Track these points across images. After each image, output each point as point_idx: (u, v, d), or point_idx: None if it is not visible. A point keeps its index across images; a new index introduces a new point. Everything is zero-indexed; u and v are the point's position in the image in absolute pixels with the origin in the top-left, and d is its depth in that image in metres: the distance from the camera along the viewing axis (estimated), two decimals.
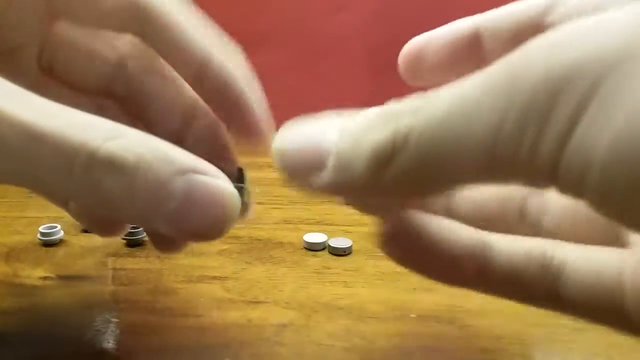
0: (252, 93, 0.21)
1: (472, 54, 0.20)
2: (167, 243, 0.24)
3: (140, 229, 0.33)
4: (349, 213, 0.39)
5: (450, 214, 0.19)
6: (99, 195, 0.14)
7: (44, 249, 0.32)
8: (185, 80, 0.22)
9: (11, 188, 0.44)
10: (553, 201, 0.18)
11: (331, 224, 0.37)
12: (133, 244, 0.33)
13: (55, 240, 0.33)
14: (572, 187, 0.10)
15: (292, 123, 0.15)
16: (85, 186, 0.14)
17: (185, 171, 0.14)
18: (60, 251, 0.32)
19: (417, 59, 0.20)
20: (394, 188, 0.13)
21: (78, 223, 0.34)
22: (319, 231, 0.34)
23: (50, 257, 0.31)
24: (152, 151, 0.14)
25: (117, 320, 0.25)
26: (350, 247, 0.32)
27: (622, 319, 0.15)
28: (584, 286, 0.16)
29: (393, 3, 0.66)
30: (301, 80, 0.69)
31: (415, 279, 0.28)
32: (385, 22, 0.66)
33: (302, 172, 0.14)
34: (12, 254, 0.31)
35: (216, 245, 0.33)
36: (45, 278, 0.29)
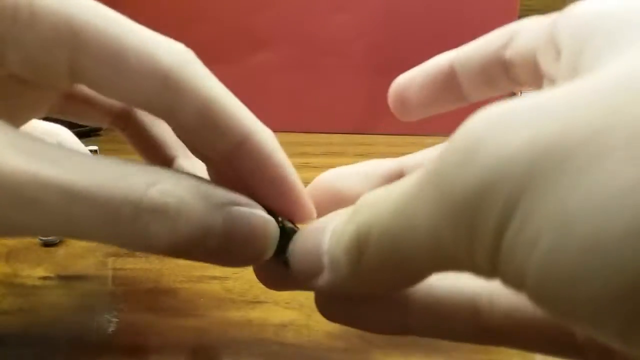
0: (292, 170, 0.19)
1: (451, 88, 0.21)
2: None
3: None
4: None
5: None
6: (145, 241, 0.15)
7: (44, 249, 0.32)
8: (212, 157, 0.18)
9: None
10: None
11: None
12: None
13: (55, 240, 0.33)
14: (512, 287, 0.10)
15: (304, 228, 0.16)
16: (132, 234, 0.15)
17: (223, 205, 0.15)
18: (60, 251, 0.32)
19: (403, 99, 0.22)
20: (373, 282, 0.14)
21: None
22: None
23: (50, 257, 0.31)
24: (190, 191, 0.15)
25: (117, 320, 0.25)
26: None
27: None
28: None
29: (393, 3, 0.66)
30: (301, 80, 0.69)
31: None
32: (385, 22, 0.66)
33: (306, 276, 0.15)
34: (12, 254, 0.31)
35: None
36: (45, 278, 0.29)
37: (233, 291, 0.27)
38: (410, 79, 0.22)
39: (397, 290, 0.16)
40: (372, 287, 0.15)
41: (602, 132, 0.08)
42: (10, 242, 0.33)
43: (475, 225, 0.10)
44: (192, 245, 0.15)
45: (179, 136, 0.18)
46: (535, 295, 0.09)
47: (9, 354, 0.22)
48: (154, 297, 0.27)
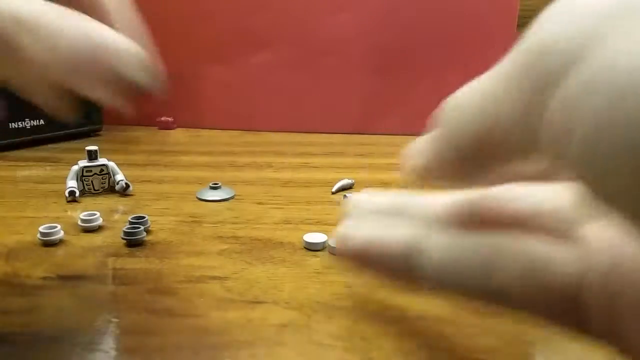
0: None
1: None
2: None
3: (141, 228, 0.33)
4: None
5: None
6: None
7: (44, 249, 0.32)
8: None
9: (11, 188, 0.44)
10: None
11: (331, 224, 0.37)
12: (133, 244, 0.33)
13: (55, 240, 0.33)
14: (549, 153, 0.11)
15: None
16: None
17: None
18: (60, 251, 0.32)
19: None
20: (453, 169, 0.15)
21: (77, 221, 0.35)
22: (319, 231, 0.34)
23: (50, 257, 0.31)
24: None
25: (117, 320, 0.25)
26: None
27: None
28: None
29: (393, 3, 0.66)
30: (301, 80, 0.69)
31: None
32: (385, 22, 0.66)
33: None
34: (12, 254, 0.31)
35: (216, 245, 0.33)
36: (45, 278, 0.29)
37: (233, 291, 0.27)
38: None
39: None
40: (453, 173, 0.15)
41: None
42: (10, 242, 0.33)
43: (534, 80, 0.11)
44: None
45: None
46: (580, 147, 0.10)
47: (9, 354, 0.22)
48: (154, 297, 0.27)
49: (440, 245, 0.18)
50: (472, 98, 0.13)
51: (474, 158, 0.14)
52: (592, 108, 0.09)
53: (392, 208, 0.21)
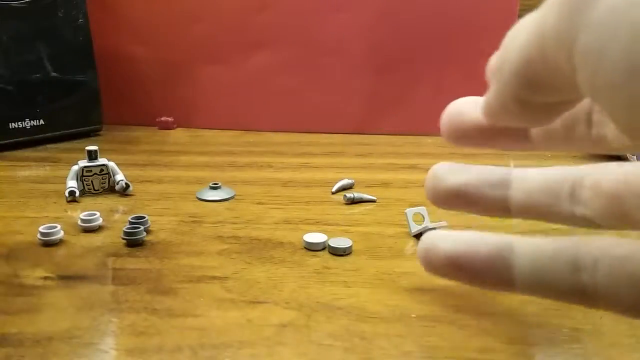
0: None
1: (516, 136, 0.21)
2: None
3: (141, 228, 0.33)
4: (349, 213, 0.39)
5: (507, 205, 0.22)
6: None
7: (44, 249, 0.32)
8: None
9: (11, 188, 0.44)
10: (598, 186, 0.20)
11: (331, 224, 0.37)
12: (133, 244, 0.33)
13: (55, 240, 0.33)
14: (590, 68, 0.11)
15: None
16: None
17: None
18: (60, 251, 0.32)
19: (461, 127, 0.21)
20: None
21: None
22: (319, 231, 0.34)
23: (50, 257, 0.31)
24: None
25: (117, 320, 0.25)
26: (350, 247, 0.32)
27: None
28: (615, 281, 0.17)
29: (393, 3, 0.66)
30: (301, 80, 0.69)
31: (415, 279, 0.28)
32: (385, 22, 0.66)
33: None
34: (12, 254, 0.31)
35: (216, 245, 0.33)
36: (45, 278, 0.29)
37: (233, 291, 0.27)
38: (467, 106, 0.21)
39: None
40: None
41: None
42: (10, 242, 0.33)
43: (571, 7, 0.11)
44: None
45: None
46: (623, 53, 0.10)
47: (9, 354, 0.22)
48: (153, 297, 0.27)
49: (532, 243, 0.19)
50: (524, 24, 0.14)
51: (533, 88, 0.14)
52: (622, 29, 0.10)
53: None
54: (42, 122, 0.60)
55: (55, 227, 0.33)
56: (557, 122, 0.20)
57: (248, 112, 0.70)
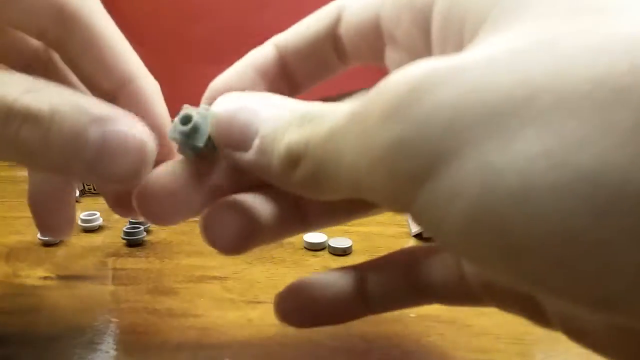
0: (164, 117, 0.21)
1: (284, 80, 0.20)
2: (123, 206, 0.23)
3: (141, 228, 0.33)
4: None
5: None
6: (18, 148, 0.15)
7: (44, 249, 0.32)
8: (98, 91, 0.20)
9: (11, 188, 0.44)
10: None
11: None
12: (133, 244, 0.33)
13: (55, 240, 0.33)
14: (426, 229, 0.11)
15: (235, 94, 0.16)
16: (5, 139, 0.14)
17: (100, 120, 0.15)
18: (60, 251, 0.32)
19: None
20: (300, 188, 0.14)
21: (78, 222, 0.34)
22: (319, 231, 0.34)
23: (50, 257, 0.31)
24: (67, 102, 0.15)
25: (117, 320, 0.25)
26: (350, 247, 0.32)
27: None
28: None
29: None
30: None
31: None
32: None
33: (231, 146, 0.15)
34: (12, 254, 0.31)
35: None
36: (45, 278, 0.29)
37: (233, 291, 0.27)
38: (231, 81, 0.20)
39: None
40: (299, 191, 0.15)
41: (521, 102, 0.09)
42: (11, 242, 0.33)
43: (393, 176, 0.11)
44: (65, 156, 0.15)
45: (72, 70, 0.20)
46: (454, 237, 0.10)
47: (9, 354, 0.22)
48: (154, 297, 0.27)
49: None
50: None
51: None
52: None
53: None
54: None
55: None
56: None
57: None
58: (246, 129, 0.15)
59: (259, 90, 0.20)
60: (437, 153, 0.10)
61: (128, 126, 0.15)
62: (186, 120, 0.16)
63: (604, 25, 0.10)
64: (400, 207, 0.11)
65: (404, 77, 0.11)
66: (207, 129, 0.16)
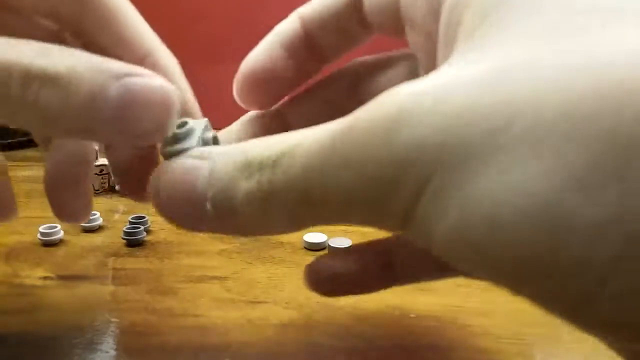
0: (188, 92, 0.20)
1: (311, 53, 0.20)
2: (135, 189, 0.22)
3: (141, 228, 0.33)
4: None
5: None
6: (38, 112, 0.14)
7: (44, 249, 0.32)
8: None
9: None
10: None
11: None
12: (133, 244, 0.33)
13: (55, 240, 0.33)
14: (419, 243, 0.12)
15: (164, 164, 0.15)
16: (24, 104, 0.14)
17: (118, 76, 0.14)
18: (60, 251, 0.32)
19: (262, 82, 0.20)
20: (280, 226, 0.14)
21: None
22: (319, 231, 0.34)
23: (50, 257, 0.31)
24: (83, 62, 0.14)
25: (117, 320, 0.25)
26: (350, 247, 0.32)
27: None
28: None
29: None
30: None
31: None
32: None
33: (185, 221, 0.15)
34: (12, 254, 0.31)
35: (216, 245, 0.33)
36: (45, 278, 0.29)
37: (233, 291, 0.27)
38: (261, 59, 0.20)
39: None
40: (276, 229, 0.14)
41: (496, 132, 0.10)
42: (11, 242, 0.33)
43: (386, 200, 0.11)
44: (87, 116, 0.14)
45: (89, 51, 0.19)
46: (441, 254, 0.11)
47: (9, 354, 0.22)
48: (154, 297, 0.27)
49: None
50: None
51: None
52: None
53: None
54: None
55: (55, 227, 0.33)
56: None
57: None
58: (191, 202, 0.14)
59: (287, 66, 0.20)
60: (426, 177, 0.10)
61: (149, 77, 0.15)
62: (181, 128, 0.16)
63: (583, 46, 0.10)
64: (393, 227, 0.12)
65: (389, 104, 0.11)
66: (200, 138, 0.16)
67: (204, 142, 0.16)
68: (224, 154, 0.14)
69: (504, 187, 0.10)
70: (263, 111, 0.21)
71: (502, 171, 0.10)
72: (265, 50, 0.20)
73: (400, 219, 0.11)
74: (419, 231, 0.11)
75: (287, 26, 0.20)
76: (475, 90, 0.10)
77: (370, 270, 0.20)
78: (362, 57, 0.21)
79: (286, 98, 0.21)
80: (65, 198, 0.24)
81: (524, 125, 0.10)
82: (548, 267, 0.10)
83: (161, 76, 0.15)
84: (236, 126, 0.21)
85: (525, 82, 0.10)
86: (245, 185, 0.13)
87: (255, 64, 0.20)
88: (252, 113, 0.21)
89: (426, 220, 0.11)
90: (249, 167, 0.13)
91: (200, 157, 0.14)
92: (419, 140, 0.10)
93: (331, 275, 0.20)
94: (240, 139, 0.19)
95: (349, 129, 0.12)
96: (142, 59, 0.20)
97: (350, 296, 0.27)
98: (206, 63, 0.71)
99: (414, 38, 0.18)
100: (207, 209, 0.14)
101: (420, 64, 0.19)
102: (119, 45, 0.19)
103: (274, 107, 0.21)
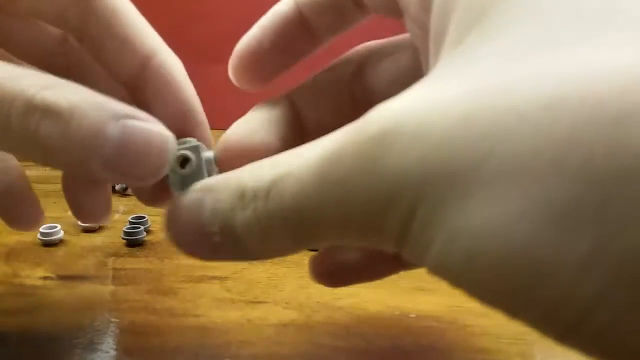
0: (193, 93, 0.21)
1: (303, 34, 0.20)
2: (150, 194, 0.22)
3: (141, 228, 0.33)
4: None
5: None
6: (37, 144, 0.15)
7: (44, 249, 0.32)
8: (121, 73, 0.20)
9: None
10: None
11: None
12: (133, 244, 0.33)
13: (55, 240, 0.33)
14: (415, 262, 0.12)
15: (173, 201, 0.16)
16: (23, 135, 0.15)
17: (119, 116, 0.15)
18: (60, 251, 0.32)
19: (254, 62, 0.21)
20: (284, 250, 0.14)
21: (77, 221, 0.34)
22: None
23: (50, 257, 0.31)
24: (85, 98, 0.15)
25: (117, 320, 0.25)
26: None
27: None
28: None
29: None
30: (301, 80, 0.69)
31: (415, 279, 0.28)
32: (385, 21, 0.66)
33: (201, 253, 0.15)
34: (12, 254, 0.31)
35: None
36: (45, 278, 0.29)
37: (233, 291, 0.27)
38: (256, 39, 0.20)
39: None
40: (284, 253, 0.15)
41: (473, 167, 0.10)
42: (11, 242, 0.33)
43: (378, 227, 0.11)
44: (87, 153, 0.15)
45: (93, 55, 0.20)
46: (433, 273, 0.11)
47: (9, 354, 0.22)
48: (154, 297, 0.27)
49: None
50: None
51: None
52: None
53: None
54: None
55: (55, 227, 0.33)
56: None
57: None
58: (202, 237, 0.14)
59: (279, 46, 0.20)
60: (413, 208, 0.11)
61: (149, 122, 0.15)
62: (184, 162, 0.16)
63: (563, 60, 0.10)
64: (388, 251, 0.12)
65: (370, 134, 0.11)
66: (203, 164, 0.16)
67: (207, 164, 0.16)
68: (223, 184, 0.14)
69: (483, 222, 0.10)
70: (273, 98, 0.21)
71: (481, 206, 0.10)
72: (258, 30, 0.20)
73: (393, 245, 0.12)
74: (411, 256, 0.12)
75: (282, 7, 0.20)
76: (454, 119, 0.10)
77: (376, 256, 0.20)
78: (368, 42, 0.21)
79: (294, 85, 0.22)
80: (84, 198, 0.24)
81: (499, 162, 0.09)
82: (528, 302, 0.10)
83: (159, 122, 0.15)
84: (249, 116, 0.21)
85: (502, 113, 0.10)
86: (242, 215, 0.14)
87: (248, 43, 0.20)
88: (263, 101, 0.21)
89: (416, 246, 0.11)
90: (244, 198, 0.14)
91: (204, 190, 0.15)
92: (403, 170, 0.11)
93: (337, 265, 0.21)
94: (252, 130, 0.19)
95: (337, 155, 0.12)
96: (147, 59, 0.20)
97: (350, 297, 0.27)
98: (206, 63, 0.71)
99: (410, 26, 0.18)
100: (216, 240, 0.14)
101: (419, 51, 0.19)
102: (123, 47, 0.20)
103: (283, 93, 0.21)
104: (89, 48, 0.20)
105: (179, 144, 0.16)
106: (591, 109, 0.09)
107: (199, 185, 0.15)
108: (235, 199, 0.14)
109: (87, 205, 0.24)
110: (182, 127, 0.20)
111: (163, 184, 0.16)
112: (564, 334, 0.10)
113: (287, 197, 0.13)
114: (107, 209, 0.24)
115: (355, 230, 0.12)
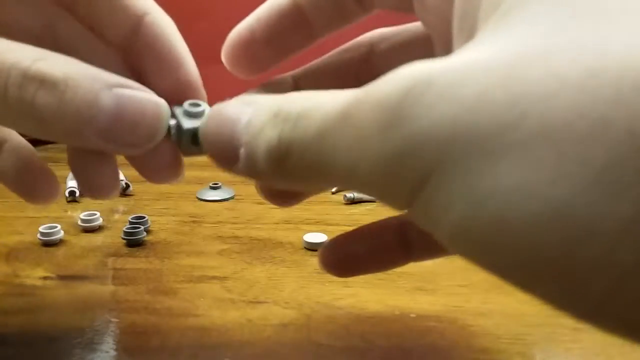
0: (185, 49, 0.21)
1: (300, 27, 0.20)
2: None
3: (141, 228, 0.33)
4: (349, 213, 0.39)
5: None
6: (33, 114, 0.15)
7: (44, 249, 0.32)
8: (114, 34, 0.20)
9: None
10: None
11: (331, 224, 0.37)
12: (133, 244, 0.33)
13: (55, 240, 0.33)
14: (422, 226, 0.11)
15: (217, 107, 0.16)
16: (19, 105, 0.15)
17: (112, 86, 0.15)
18: (60, 251, 0.32)
19: (247, 51, 0.20)
20: (293, 181, 0.14)
21: (79, 223, 0.34)
22: (319, 231, 0.34)
23: (50, 257, 0.31)
24: (79, 70, 0.15)
25: (117, 320, 0.25)
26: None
27: None
28: None
29: None
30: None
31: (415, 279, 0.28)
32: (385, 21, 0.66)
33: (222, 160, 0.15)
34: (12, 254, 0.31)
35: (216, 245, 0.33)
36: (45, 278, 0.29)
37: (233, 291, 0.27)
38: (249, 28, 0.20)
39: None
40: (294, 184, 0.15)
41: (507, 128, 0.09)
42: (11, 242, 0.33)
43: (390, 182, 0.11)
44: (82, 122, 0.15)
45: (85, 21, 0.20)
46: (446, 242, 0.11)
47: (9, 354, 0.22)
48: (154, 297, 0.27)
49: None
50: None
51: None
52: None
53: None
54: None
55: (56, 227, 0.33)
56: None
57: None
58: (230, 144, 0.15)
59: (272, 38, 0.20)
60: (431, 168, 0.10)
61: (141, 90, 0.15)
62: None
63: (600, 35, 0.10)
64: (397, 207, 0.12)
65: (400, 83, 0.11)
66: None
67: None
68: (264, 100, 0.14)
69: (517, 182, 0.09)
70: (278, 77, 0.21)
71: (514, 167, 0.09)
72: (253, 20, 0.20)
73: (405, 201, 0.11)
74: (423, 216, 0.11)
75: (276, 1, 0.20)
76: (488, 80, 0.10)
77: (385, 246, 0.20)
78: (380, 28, 0.21)
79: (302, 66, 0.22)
80: (91, 171, 0.24)
81: (537, 122, 0.09)
82: (562, 271, 0.09)
83: (151, 91, 0.16)
84: (251, 91, 0.21)
85: (542, 76, 0.10)
86: (269, 134, 0.13)
87: (240, 32, 0.20)
88: (267, 80, 0.21)
89: (430, 208, 0.11)
90: (276, 117, 0.14)
91: (246, 103, 0.15)
92: (427, 125, 0.10)
93: (346, 255, 0.21)
94: None
95: (362, 100, 0.12)
96: (139, 19, 0.20)
97: (350, 297, 0.27)
98: (207, 63, 0.71)
99: (425, 17, 0.17)
100: (240, 152, 0.14)
101: (434, 42, 0.18)
102: (115, 8, 0.20)
103: (289, 73, 0.21)
104: (81, 13, 0.20)
105: (189, 105, 0.17)
106: (635, 76, 0.09)
107: (242, 97, 0.15)
108: (270, 117, 0.14)
109: (95, 179, 0.24)
110: (175, 83, 0.20)
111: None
112: (593, 308, 0.09)
113: (312, 128, 0.13)
114: (115, 183, 0.24)
115: (366, 178, 0.12)
